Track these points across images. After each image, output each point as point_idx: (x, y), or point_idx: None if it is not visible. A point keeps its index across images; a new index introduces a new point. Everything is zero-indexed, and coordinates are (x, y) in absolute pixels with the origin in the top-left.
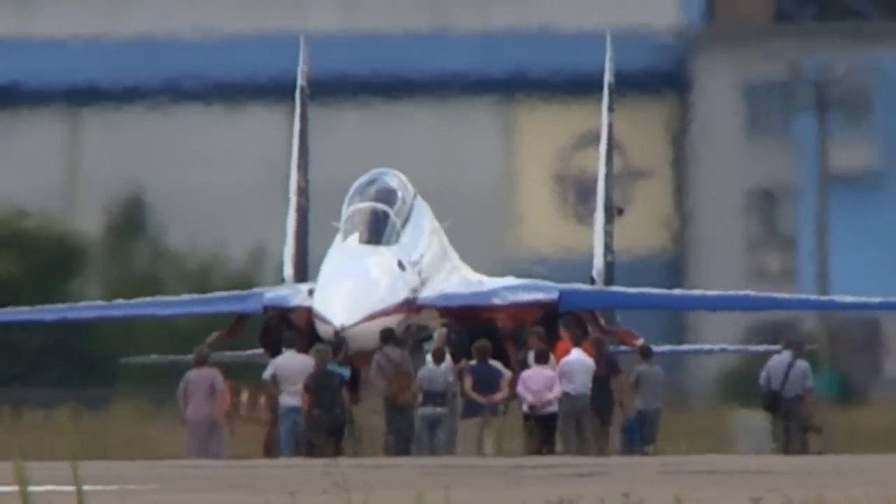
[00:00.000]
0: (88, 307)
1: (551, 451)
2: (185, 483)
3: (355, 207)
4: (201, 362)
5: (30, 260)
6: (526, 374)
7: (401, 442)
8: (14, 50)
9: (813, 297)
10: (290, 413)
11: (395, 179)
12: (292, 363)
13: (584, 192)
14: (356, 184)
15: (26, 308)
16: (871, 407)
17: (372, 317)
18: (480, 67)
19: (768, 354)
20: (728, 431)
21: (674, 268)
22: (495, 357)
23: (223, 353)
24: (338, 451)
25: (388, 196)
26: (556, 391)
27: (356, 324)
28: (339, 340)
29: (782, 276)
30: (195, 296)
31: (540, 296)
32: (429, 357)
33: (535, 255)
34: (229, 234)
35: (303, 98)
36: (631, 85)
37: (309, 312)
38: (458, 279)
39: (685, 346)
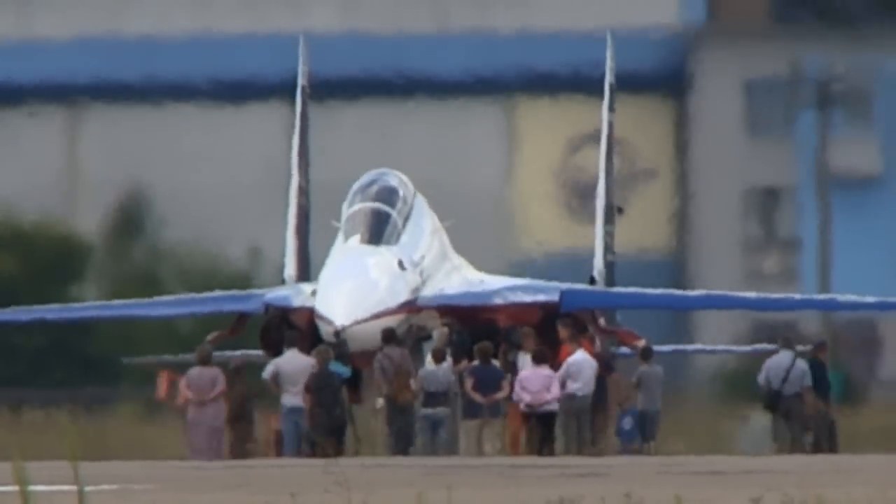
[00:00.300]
0: (88, 307)
1: (551, 450)
2: (185, 483)
3: (356, 208)
4: (204, 361)
5: (30, 260)
6: (523, 374)
7: (401, 442)
8: (14, 50)
9: (813, 296)
10: (291, 413)
11: (396, 179)
12: (294, 363)
13: (584, 192)
14: (357, 184)
15: (26, 308)
16: (871, 407)
17: (373, 317)
18: (480, 67)
19: (768, 354)
20: (728, 431)
21: (674, 267)
22: (496, 357)
23: (223, 353)
24: (339, 451)
25: (388, 196)
26: (555, 391)
27: (357, 324)
28: (339, 340)
29: (782, 276)
30: (195, 296)
31: (541, 296)
32: (429, 357)
33: (535, 254)
34: (229, 233)
35: (303, 98)
36: (631, 84)
37: (311, 313)
38: (458, 279)
39: (685, 346)
